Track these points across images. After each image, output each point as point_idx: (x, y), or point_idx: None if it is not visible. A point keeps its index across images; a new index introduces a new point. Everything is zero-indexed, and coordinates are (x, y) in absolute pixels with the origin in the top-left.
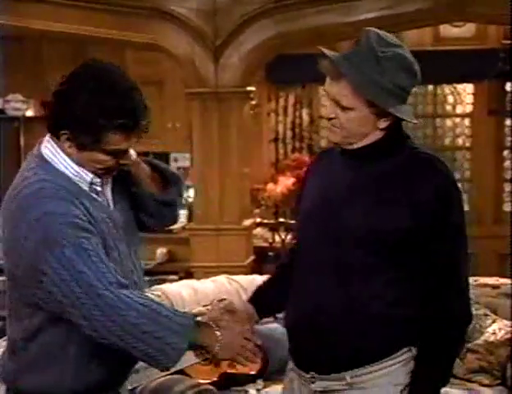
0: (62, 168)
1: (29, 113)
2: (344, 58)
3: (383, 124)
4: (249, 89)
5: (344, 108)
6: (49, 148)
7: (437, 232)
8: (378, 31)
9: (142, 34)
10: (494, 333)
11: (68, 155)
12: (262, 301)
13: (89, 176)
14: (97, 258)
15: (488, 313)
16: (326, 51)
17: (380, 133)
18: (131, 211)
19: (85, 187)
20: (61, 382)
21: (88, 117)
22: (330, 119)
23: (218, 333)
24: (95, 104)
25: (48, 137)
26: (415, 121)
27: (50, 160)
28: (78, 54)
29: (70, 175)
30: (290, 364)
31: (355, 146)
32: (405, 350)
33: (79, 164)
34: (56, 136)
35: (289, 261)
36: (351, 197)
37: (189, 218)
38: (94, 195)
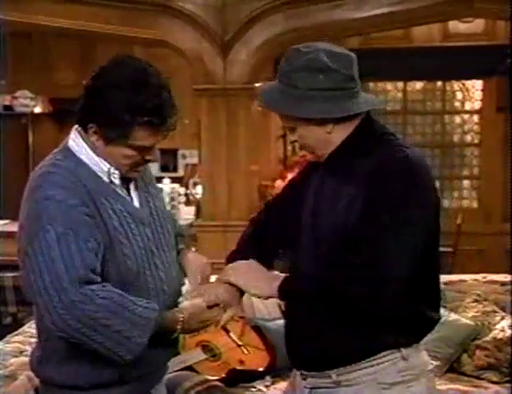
0: (84, 158)
1: (38, 110)
2: (265, 90)
3: (329, 128)
4: (257, 85)
5: (291, 130)
6: (73, 139)
7: (372, 204)
8: (294, 46)
9: (150, 30)
10: (502, 330)
11: (94, 147)
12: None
13: (106, 166)
14: (76, 251)
15: (497, 309)
16: (259, 86)
17: (341, 135)
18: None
19: (105, 178)
20: (78, 375)
21: (115, 113)
22: (294, 142)
23: (180, 315)
24: (123, 100)
25: (74, 129)
26: (352, 113)
27: (73, 149)
28: (86, 51)
29: (91, 165)
30: None
31: (326, 156)
32: (394, 350)
33: (100, 156)
34: (84, 129)
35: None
36: (324, 203)
37: (197, 215)
38: (114, 187)
